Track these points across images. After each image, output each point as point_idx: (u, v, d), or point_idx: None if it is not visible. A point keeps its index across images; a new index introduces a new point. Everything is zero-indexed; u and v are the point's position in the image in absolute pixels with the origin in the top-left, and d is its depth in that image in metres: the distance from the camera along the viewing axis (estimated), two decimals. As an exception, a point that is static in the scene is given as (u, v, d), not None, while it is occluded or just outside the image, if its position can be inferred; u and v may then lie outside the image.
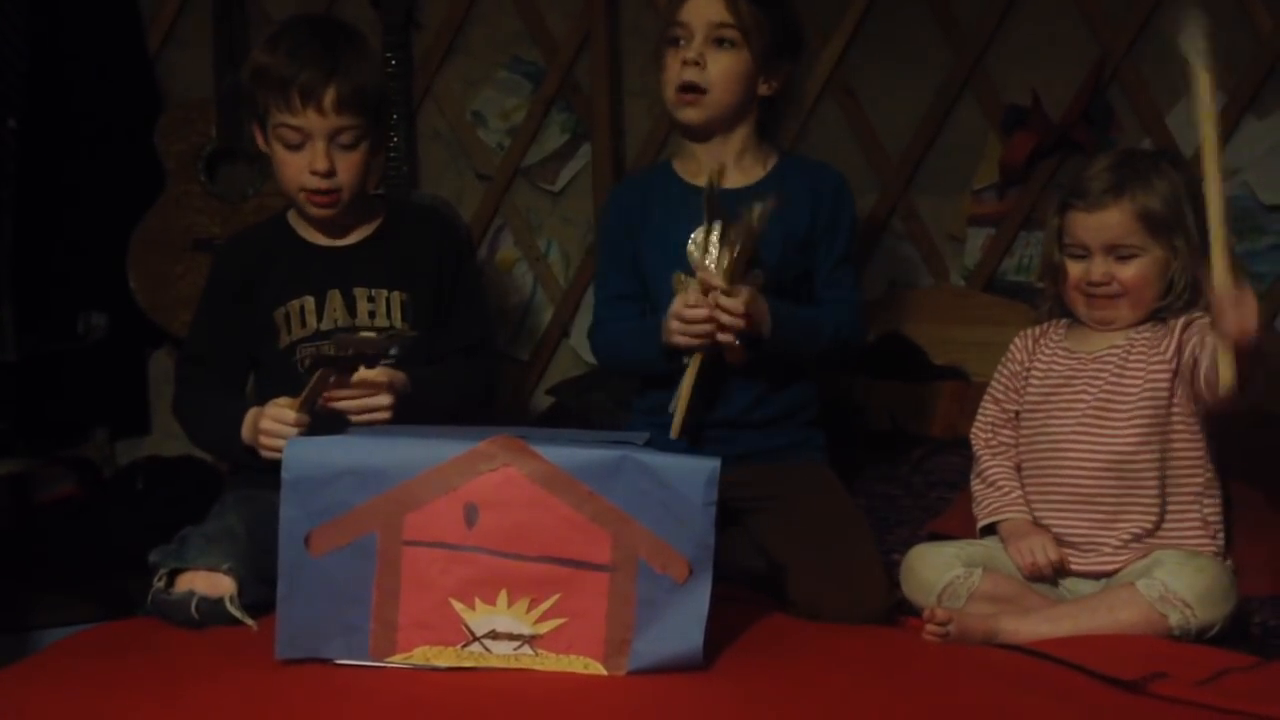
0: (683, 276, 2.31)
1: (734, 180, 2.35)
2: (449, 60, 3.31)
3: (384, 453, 1.78)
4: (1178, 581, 1.97)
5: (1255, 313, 1.86)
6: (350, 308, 2.23)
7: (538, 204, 3.34)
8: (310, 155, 2.16)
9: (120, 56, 3.26)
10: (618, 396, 2.81)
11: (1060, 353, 2.19)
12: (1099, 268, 2.12)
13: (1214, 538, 2.10)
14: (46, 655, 1.95)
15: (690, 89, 2.30)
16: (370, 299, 2.23)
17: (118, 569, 2.55)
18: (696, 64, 2.29)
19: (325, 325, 2.22)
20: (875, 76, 3.14)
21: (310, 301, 2.23)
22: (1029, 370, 2.21)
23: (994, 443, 2.22)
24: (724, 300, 2.16)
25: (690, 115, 2.33)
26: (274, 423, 2.04)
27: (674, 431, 2.20)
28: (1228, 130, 2.93)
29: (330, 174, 2.17)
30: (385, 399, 2.08)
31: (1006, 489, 2.17)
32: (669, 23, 2.34)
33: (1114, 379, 2.12)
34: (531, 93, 3.30)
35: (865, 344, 2.49)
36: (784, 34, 2.34)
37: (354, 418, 2.07)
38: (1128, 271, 2.11)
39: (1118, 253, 2.11)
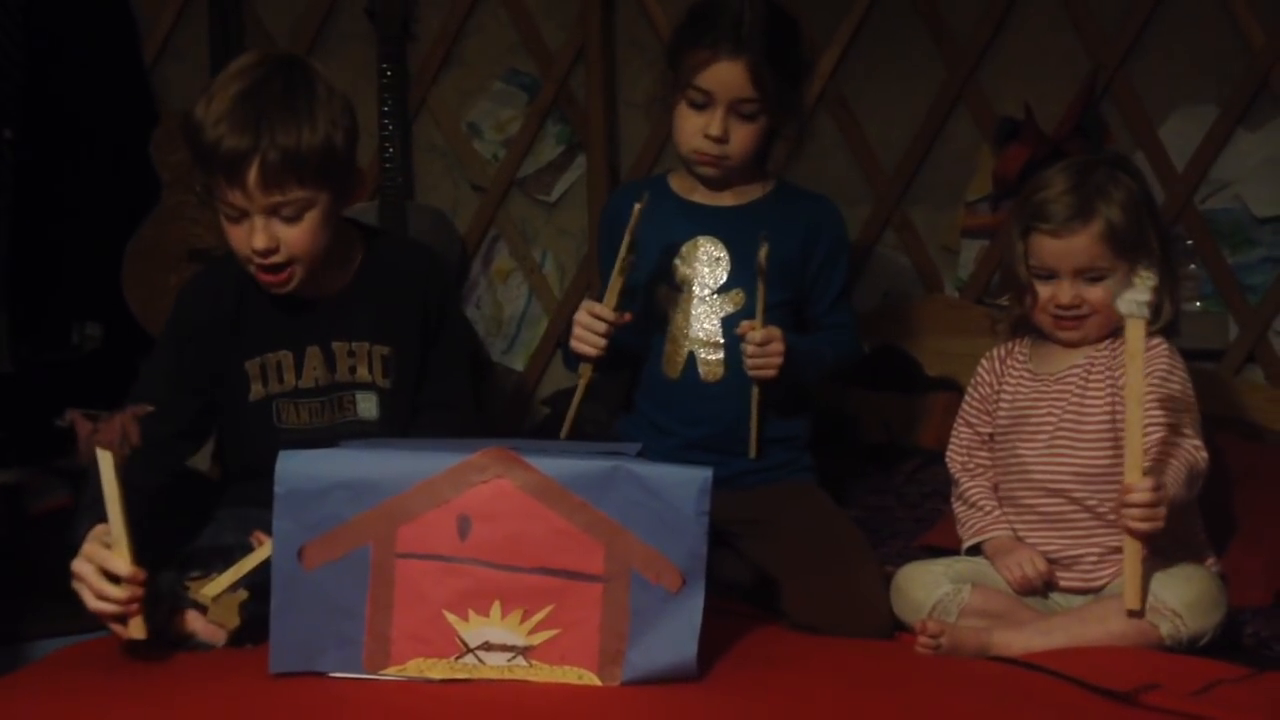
0: (666, 290, 2.33)
1: (725, 200, 2.37)
2: (444, 72, 3.32)
3: (377, 466, 1.78)
4: (1167, 591, 1.97)
5: (1162, 516, 1.92)
6: (330, 363, 2.10)
7: (533, 215, 3.34)
8: (249, 231, 1.97)
9: (116, 68, 3.26)
10: (612, 407, 2.81)
11: (1025, 375, 2.20)
12: (1068, 291, 2.13)
13: (1189, 548, 2.10)
14: (41, 666, 1.95)
15: (707, 154, 2.29)
16: (351, 353, 2.10)
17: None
18: (721, 140, 2.27)
19: (305, 383, 2.09)
20: (869, 89, 3.15)
21: (288, 357, 2.09)
22: (999, 393, 2.22)
23: (970, 465, 2.24)
24: (755, 335, 2.20)
25: (710, 174, 2.34)
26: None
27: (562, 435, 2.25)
28: (1220, 143, 2.95)
29: (271, 251, 1.97)
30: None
31: (987, 508, 2.18)
32: (688, 83, 2.27)
33: (1076, 400, 2.13)
34: (527, 104, 3.30)
35: (861, 356, 2.50)
36: (801, 74, 2.32)
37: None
38: (1096, 293, 2.12)
39: (1087, 275, 2.12)
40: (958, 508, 2.23)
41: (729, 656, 1.89)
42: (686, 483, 1.77)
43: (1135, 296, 1.96)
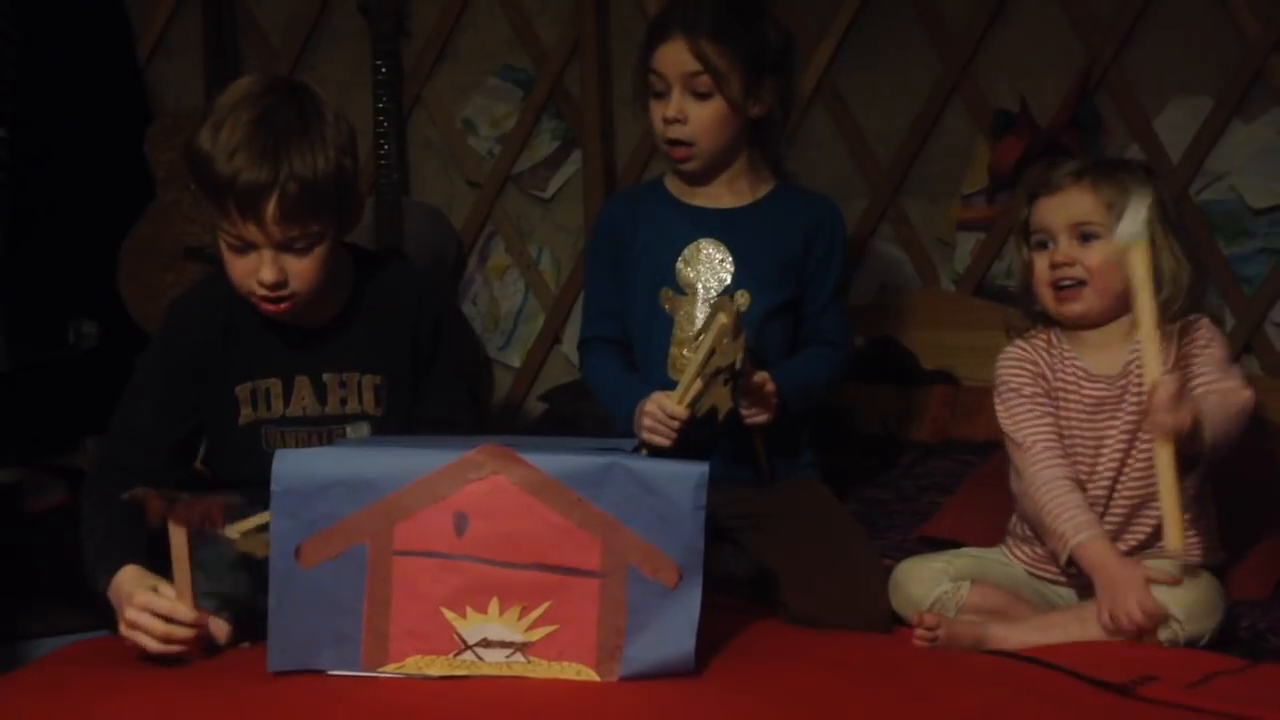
0: (670, 293, 2.33)
1: (725, 201, 2.37)
2: (439, 68, 3.32)
3: (373, 463, 1.78)
4: (1165, 596, 1.95)
5: (1189, 413, 1.92)
6: (320, 394, 2.04)
7: (529, 211, 3.34)
8: (256, 263, 1.90)
9: (110, 66, 3.27)
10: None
11: (1081, 375, 2.12)
12: (1063, 249, 2.10)
13: (1202, 538, 2.09)
14: (41, 665, 1.96)
15: (677, 144, 2.31)
16: (341, 384, 2.04)
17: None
18: (678, 120, 2.29)
19: (293, 412, 2.04)
20: (864, 82, 3.15)
21: (277, 385, 2.03)
22: (1054, 389, 2.13)
23: (1057, 449, 2.08)
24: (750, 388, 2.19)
25: (686, 168, 2.35)
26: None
27: None
28: (1215, 134, 2.95)
29: (280, 285, 1.91)
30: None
31: (1079, 503, 2.04)
32: (646, 69, 2.33)
33: (1137, 398, 2.05)
34: (522, 100, 3.30)
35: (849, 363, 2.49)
36: (763, 57, 2.31)
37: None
38: (1091, 255, 2.09)
39: (1081, 232, 2.10)
40: (1044, 498, 2.05)
41: (727, 651, 1.89)
42: (683, 478, 1.77)
43: (1129, 223, 1.95)
